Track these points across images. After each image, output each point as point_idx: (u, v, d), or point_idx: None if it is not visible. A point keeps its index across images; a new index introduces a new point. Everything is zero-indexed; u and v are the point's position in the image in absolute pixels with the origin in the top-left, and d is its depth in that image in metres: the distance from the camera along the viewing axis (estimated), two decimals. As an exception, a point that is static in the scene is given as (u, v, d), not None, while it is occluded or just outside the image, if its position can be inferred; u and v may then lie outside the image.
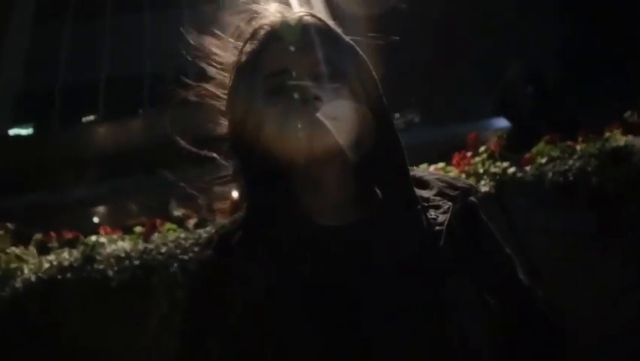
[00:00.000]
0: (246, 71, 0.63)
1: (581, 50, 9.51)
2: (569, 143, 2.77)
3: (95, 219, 11.15)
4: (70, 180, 10.36)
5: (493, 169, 2.59)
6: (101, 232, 2.83)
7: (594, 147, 2.54)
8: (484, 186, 2.52)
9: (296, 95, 0.59)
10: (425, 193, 0.64)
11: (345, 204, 0.63)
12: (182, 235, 2.52)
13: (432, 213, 0.61)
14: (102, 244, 2.55)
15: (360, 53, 0.65)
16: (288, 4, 0.68)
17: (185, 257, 2.39)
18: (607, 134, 2.65)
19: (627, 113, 3.26)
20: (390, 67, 0.67)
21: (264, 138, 0.62)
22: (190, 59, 0.71)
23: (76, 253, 2.57)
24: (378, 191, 0.64)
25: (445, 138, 6.84)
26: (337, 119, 0.59)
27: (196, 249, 2.42)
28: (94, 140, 12.80)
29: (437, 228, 0.59)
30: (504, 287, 0.60)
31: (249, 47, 0.64)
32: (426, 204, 0.62)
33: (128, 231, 2.79)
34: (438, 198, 0.63)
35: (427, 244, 0.58)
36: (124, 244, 2.55)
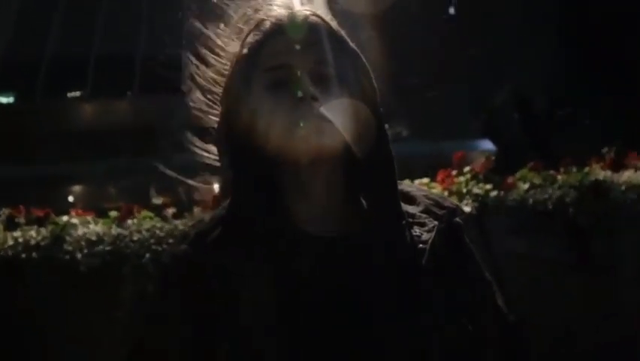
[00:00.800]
0: (245, 61, 0.62)
1: (572, 81, 9.80)
2: (552, 172, 2.84)
3: (70, 198, 10.89)
4: (47, 155, 10.09)
5: (475, 190, 2.63)
6: (73, 213, 2.75)
7: (575, 179, 2.60)
8: (466, 206, 2.56)
9: (293, 92, 0.58)
10: (411, 209, 0.63)
11: (330, 210, 0.62)
12: (158, 225, 2.47)
13: (416, 230, 0.60)
14: (74, 225, 2.47)
15: (363, 59, 0.64)
16: (292, 1, 0.66)
17: (159, 248, 2.34)
18: (587, 167, 2.72)
19: (604, 149, 3.38)
20: (384, 77, 0.66)
21: (256, 132, 0.60)
22: (188, 43, 0.70)
23: (44, 231, 2.49)
24: (364, 201, 0.63)
25: (432, 153, 6.92)
26: (332, 121, 0.59)
27: (171, 241, 2.38)
28: (77, 116, 12.51)
29: (420, 246, 0.59)
30: (481, 312, 0.60)
31: (251, 38, 0.63)
32: (411, 220, 0.61)
33: (103, 214, 2.72)
34: (424, 215, 0.62)
35: (408, 261, 0.58)
36: (96, 228, 2.48)
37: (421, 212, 0.63)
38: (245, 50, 0.63)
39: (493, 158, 2.84)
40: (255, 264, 0.56)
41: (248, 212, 0.60)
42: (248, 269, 0.57)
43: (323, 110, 0.58)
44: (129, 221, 2.57)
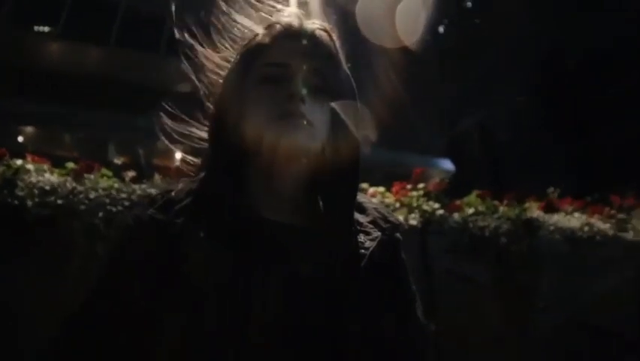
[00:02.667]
0: (250, 54, 0.68)
1: (534, 120, 10.42)
2: (495, 202, 3.07)
3: (20, 139, 10.27)
4: (4, 89, 9.44)
5: (424, 207, 2.80)
6: (29, 158, 2.66)
7: (513, 213, 2.84)
8: (413, 220, 2.72)
9: (285, 88, 0.63)
10: (361, 218, 0.69)
11: (290, 202, 0.67)
12: (116, 185, 2.45)
13: (362, 237, 0.66)
14: (28, 171, 2.41)
15: (353, 83, 0.71)
16: (302, 13, 0.72)
17: (113, 209, 2.33)
18: (526, 204, 2.97)
19: (550, 189, 3.68)
20: (359, 83, 0.73)
21: (241, 117, 0.65)
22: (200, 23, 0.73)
23: None
24: (323, 200, 0.68)
25: (394, 162, 7.14)
26: (312, 125, 0.64)
27: (127, 204, 2.38)
28: (42, 53, 11.73)
29: (362, 251, 0.64)
30: (401, 318, 0.66)
31: (260, 36, 0.68)
32: (359, 228, 0.67)
33: (57, 163, 2.65)
34: (370, 225, 0.68)
35: (349, 261, 0.63)
36: (51, 178, 2.43)
37: (369, 222, 0.69)
38: (252, 45, 0.68)
39: (447, 181, 3.02)
40: (213, 236, 0.60)
41: (216, 189, 0.64)
42: (206, 240, 0.60)
43: (305, 111, 0.63)
44: (85, 177, 2.54)
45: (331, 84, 0.67)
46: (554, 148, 10.69)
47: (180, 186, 0.69)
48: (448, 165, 9.72)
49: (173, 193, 0.67)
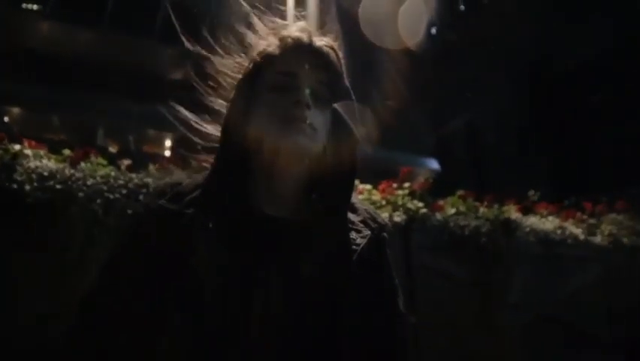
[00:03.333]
0: (261, 63, 0.74)
1: (520, 125, 10.70)
2: (476, 203, 3.22)
3: (6, 119, 10.10)
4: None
5: (409, 205, 2.92)
6: (25, 143, 2.70)
7: (492, 214, 2.99)
8: (397, 217, 2.85)
9: (293, 95, 0.70)
10: (353, 217, 0.75)
11: (290, 200, 0.73)
12: (113, 173, 2.52)
13: (353, 234, 0.72)
14: (26, 156, 2.46)
15: (353, 95, 0.77)
16: (311, 28, 0.78)
17: (111, 196, 2.40)
18: (505, 206, 3.13)
19: (531, 192, 3.85)
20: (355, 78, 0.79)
21: (253, 119, 0.71)
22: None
23: None
24: (321, 199, 0.74)
25: (383, 159, 7.27)
26: (314, 129, 0.70)
27: (124, 192, 2.45)
28: (31, 33, 11.47)
29: (353, 247, 0.71)
30: (384, 308, 0.73)
31: (271, 48, 0.75)
32: (351, 226, 0.74)
33: (51, 148, 2.68)
34: (361, 224, 0.75)
35: (341, 255, 0.70)
36: (49, 164, 2.48)
37: (360, 221, 0.76)
38: (264, 54, 0.74)
39: (432, 180, 3.16)
40: (220, 229, 0.65)
41: (223, 185, 0.69)
42: (211, 230, 0.64)
43: (310, 116, 0.70)
44: (82, 164, 2.59)
45: (333, 94, 0.74)
46: (537, 152, 10.99)
47: (189, 180, 0.74)
48: (434, 164, 9.92)
49: (181, 186, 0.72)
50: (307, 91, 0.70)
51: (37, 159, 2.50)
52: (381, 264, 0.75)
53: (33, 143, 2.75)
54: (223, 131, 0.74)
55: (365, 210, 0.78)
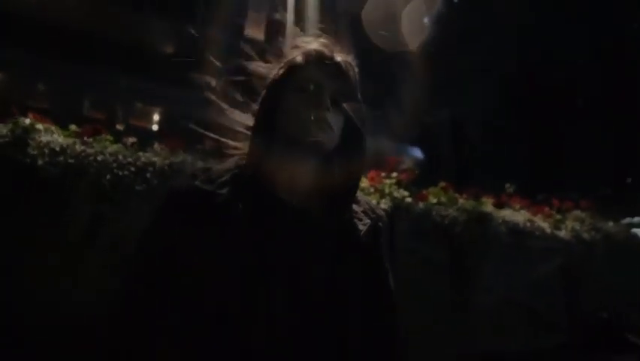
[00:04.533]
0: (290, 70, 0.86)
1: (501, 122, 11.10)
2: (456, 195, 3.48)
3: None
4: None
5: (395, 194, 3.14)
6: (31, 117, 2.75)
7: (470, 205, 3.26)
8: (384, 204, 3.07)
9: (315, 98, 0.82)
10: (356, 207, 0.87)
11: (305, 191, 0.81)
12: (122, 151, 2.63)
13: (356, 222, 0.84)
14: (38, 131, 2.54)
15: (363, 104, 0.90)
16: (331, 45, 0.90)
17: (120, 173, 2.53)
18: (482, 199, 3.40)
19: (507, 185, 4.14)
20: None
21: (281, 116, 0.82)
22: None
23: (3, 128, 2.51)
24: (330, 191, 0.82)
25: (371, 148, 7.45)
26: (331, 128, 0.83)
27: (132, 169, 2.59)
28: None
29: (356, 232, 0.83)
30: (378, 284, 0.84)
31: (299, 58, 0.86)
32: (354, 215, 0.85)
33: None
34: (362, 214, 0.86)
35: (345, 238, 0.81)
36: (59, 139, 2.57)
37: (362, 211, 0.86)
38: (294, 62, 0.86)
39: (417, 171, 3.38)
40: (247, 208, 0.73)
41: (252, 172, 0.79)
42: (242, 210, 0.73)
43: (329, 116, 0.83)
44: (91, 139, 2.70)
45: (347, 101, 0.87)
46: (516, 149, 11.41)
47: (218, 165, 0.82)
48: (418, 153, 10.22)
49: (212, 171, 0.80)
50: (327, 96, 0.83)
51: (48, 135, 2.58)
52: (377, 248, 0.85)
53: (37, 116, 2.77)
54: (255, 123, 0.83)
55: (365, 202, 0.89)
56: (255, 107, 0.86)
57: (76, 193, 2.41)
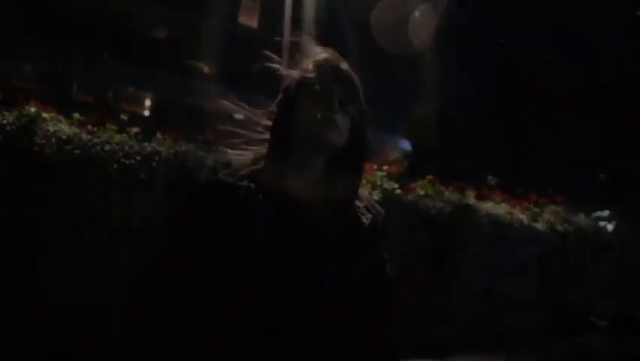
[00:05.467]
0: (304, 77, 0.95)
1: (485, 117, 11.42)
2: (442, 188, 3.68)
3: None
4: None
5: (386, 185, 3.31)
6: (34, 106, 2.77)
7: (455, 198, 3.47)
8: (375, 195, 3.25)
9: (324, 101, 0.91)
10: (359, 203, 0.92)
11: (313, 187, 0.87)
12: (128, 141, 2.72)
13: (360, 217, 0.89)
14: (45, 120, 2.61)
15: (365, 107, 1.00)
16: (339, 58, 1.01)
17: (126, 162, 2.64)
18: (467, 192, 3.62)
19: (490, 177, 4.36)
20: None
21: (295, 117, 0.90)
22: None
23: (9, 115, 2.56)
24: (336, 187, 0.88)
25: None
26: (339, 128, 0.87)
27: (138, 158, 2.70)
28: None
29: (359, 225, 0.88)
30: (378, 271, 0.90)
31: (311, 66, 0.96)
32: (358, 210, 0.91)
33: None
34: (365, 210, 0.91)
35: (350, 231, 0.87)
36: (66, 128, 2.64)
37: (364, 207, 0.91)
38: (307, 69, 0.96)
39: (406, 165, 3.55)
40: (267, 199, 0.81)
41: (273, 166, 0.86)
42: (262, 201, 0.81)
43: (337, 117, 0.87)
44: (96, 129, 2.77)
45: (353, 104, 0.97)
46: (499, 144, 11.75)
47: (237, 161, 0.91)
48: (406, 145, 10.45)
49: (232, 166, 0.89)
50: (335, 100, 0.94)
51: (55, 124, 2.64)
52: (376, 240, 0.91)
53: (39, 104, 2.80)
54: (274, 122, 0.91)
55: (366, 198, 0.94)
56: (272, 108, 0.96)
57: (84, 181, 2.51)
